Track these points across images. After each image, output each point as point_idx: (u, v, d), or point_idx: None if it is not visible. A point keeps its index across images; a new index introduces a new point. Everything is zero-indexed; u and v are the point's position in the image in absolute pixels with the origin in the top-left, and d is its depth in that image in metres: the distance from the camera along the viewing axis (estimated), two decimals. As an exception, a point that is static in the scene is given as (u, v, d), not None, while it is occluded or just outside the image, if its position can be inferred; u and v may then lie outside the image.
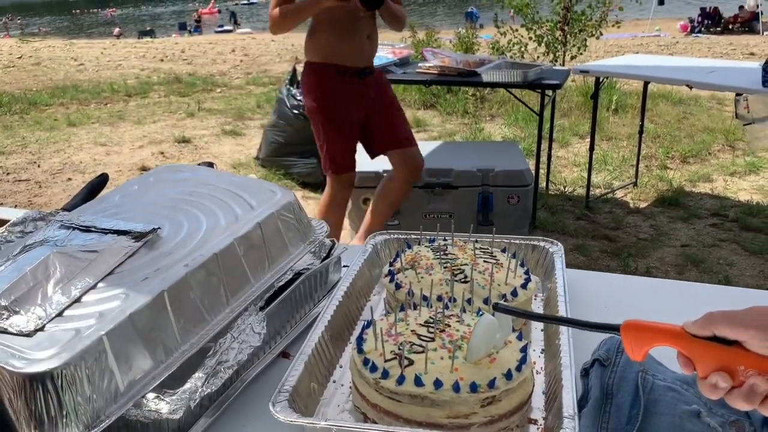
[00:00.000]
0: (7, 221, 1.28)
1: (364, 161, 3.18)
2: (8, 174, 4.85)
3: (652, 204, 3.95)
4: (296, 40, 18.21)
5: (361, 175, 3.05)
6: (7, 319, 0.82)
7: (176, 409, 0.81)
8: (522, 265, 1.16)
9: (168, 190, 1.14)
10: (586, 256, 3.35)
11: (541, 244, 1.28)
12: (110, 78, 11.00)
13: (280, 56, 12.97)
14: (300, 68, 4.65)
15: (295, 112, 4.13)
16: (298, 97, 4.15)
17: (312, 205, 4.06)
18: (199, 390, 0.85)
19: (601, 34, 7.29)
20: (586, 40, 7.26)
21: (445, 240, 1.25)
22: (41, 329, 0.80)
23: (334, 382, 0.99)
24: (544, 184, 4.21)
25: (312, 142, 4.20)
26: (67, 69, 12.51)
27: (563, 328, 0.98)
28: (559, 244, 1.26)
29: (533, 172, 3.65)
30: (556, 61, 7.21)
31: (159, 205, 1.09)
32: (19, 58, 15.20)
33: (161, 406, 0.81)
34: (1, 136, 6.14)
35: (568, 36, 7.28)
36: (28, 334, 0.80)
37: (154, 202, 1.10)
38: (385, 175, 2.91)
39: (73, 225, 1.01)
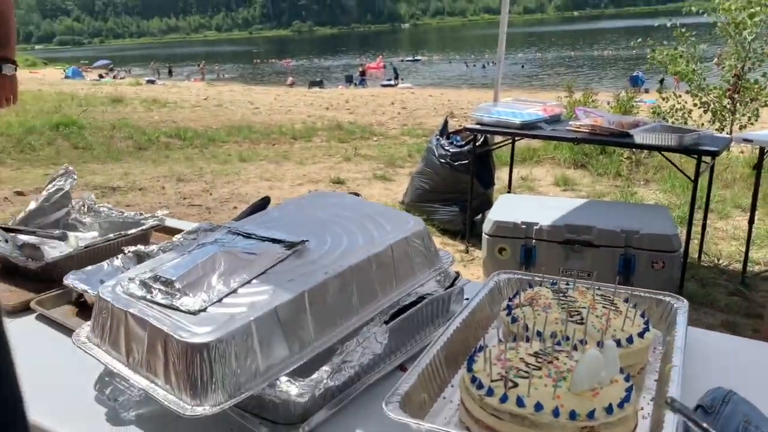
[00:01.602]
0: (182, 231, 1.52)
1: (501, 210, 3.24)
2: (185, 198, 5.45)
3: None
4: (453, 96, 18.75)
5: (499, 224, 3.11)
6: (179, 299, 0.99)
7: (303, 393, 0.94)
8: (642, 316, 1.18)
9: (319, 211, 1.30)
10: (736, 334, 3.12)
11: (666, 299, 1.28)
12: (280, 122, 11.99)
13: (436, 110, 13.37)
14: (452, 121, 4.83)
15: (442, 161, 4.29)
16: (447, 147, 4.32)
17: (450, 251, 4.16)
18: (324, 381, 0.97)
19: (776, 105, 6.83)
20: (758, 109, 6.82)
21: (567, 284, 1.29)
22: (204, 310, 0.97)
23: (444, 398, 1.07)
24: (696, 255, 4.00)
25: (455, 191, 4.36)
26: (244, 111, 13.80)
27: (675, 379, 0.99)
28: (685, 300, 1.26)
29: (683, 240, 3.51)
30: (723, 129, 6.83)
31: (310, 222, 1.25)
32: (205, 99, 17.00)
33: (291, 388, 0.94)
34: (183, 165, 6.92)
35: (738, 104, 6.89)
36: (194, 313, 0.96)
37: (306, 220, 1.27)
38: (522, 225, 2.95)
39: (238, 232, 1.19)
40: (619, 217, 3.10)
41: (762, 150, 3.53)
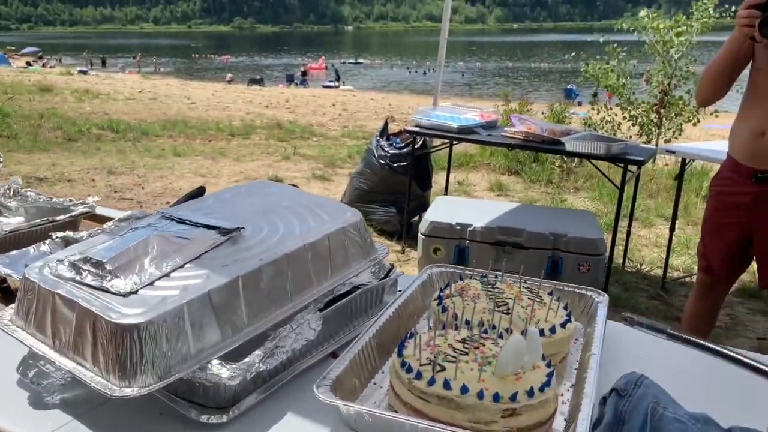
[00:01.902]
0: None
1: (437, 211, 3.31)
2: (116, 192, 5.30)
3: (732, 293, 3.82)
4: (394, 100, 18.89)
5: (435, 224, 3.17)
6: (110, 280, 0.98)
7: (234, 377, 0.94)
8: (565, 308, 1.23)
9: (256, 200, 1.31)
10: (655, 335, 3.28)
11: (588, 293, 1.35)
12: (217, 118, 11.79)
13: (377, 114, 13.44)
14: (392, 125, 4.89)
15: (381, 162, 4.33)
16: (386, 149, 4.36)
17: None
18: (256, 365, 0.98)
19: (699, 120, 7.20)
20: (682, 124, 7.19)
21: (495, 277, 1.34)
22: (135, 293, 0.96)
23: (375, 384, 1.09)
24: (621, 261, 4.18)
25: (393, 193, 4.41)
26: (180, 106, 13.49)
27: (593, 366, 1.04)
28: (605, 295, 1.33)
29: (608, 245, 3.66)
30: (649, 142, 7.16)
31: (246, 211, 1.25)
32: (140, 92, 16.53)
33: (222, 371, 0.94)
34: (115, 158, 6.72)
35: (664, 119, 7.24)
36: (125, 295, 0.95)
37: (242, 209, 1.27)
38: (457, 226, 3.01)
39: (172, 217, 1.18)
40: (548, 221, 3.21)
41: (684, 161, 3.73)
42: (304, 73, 36.02)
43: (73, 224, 1.64)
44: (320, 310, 1.14)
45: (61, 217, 1.61)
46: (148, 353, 0.90)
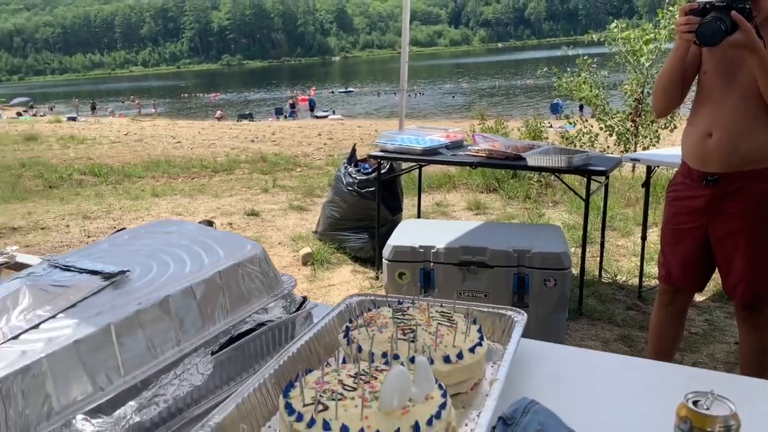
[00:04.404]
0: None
1: (400, 235, 3.26)
2: (89, 237, 5.25)
3: (709, 298, 3.77)
4: (381, 126, 18.96)
5: (398, 249, 3.12)
6: (-30, 337, 0.93)
7: (99, 431, 0.88)
8: (479, 331, 1.18)
9: (152, 240, 1.26)
10: (631, 347, 3.22)
11: (508, 313, 1.29)
12: (202, 155, 11.79)
13: (362, 140, 13.45)
14: (359, 150, 4.86)
15: (350, 188, 4.29)
16: (354, 175, 4.33)
17: (360, 278, 4.14)
18: (128, 417, 0.92)
19: (675, 127, 7.20)
20: (658, 131, 7.18)
21: (412, 303, 1.29)
22: (-5, 348, 0.91)
23: (270, 427, 1.03)
24: (598, 272, 4.12)
25: (363, 219, 4.37)
26: (165, 146, 13.51)
27: (493, 393, 0.99)
28: (524, 313, 1.27)
29: (580, 257, 3.61)
30: (627, 151, 7.15)
31: (139, 252, 1.20)
32: (126, 134, 16.58)
33: (86, 427, 0.88)
34: (92, 202, 6.68)
35: (640, 127, 7.23)
36: (-18, 352, 0.90)
37: (136, 250, 1.22)
38: (420, 249, 2.96)
39: (57, 264, 1.13)
40: (512, 238, 3.15)
41: (649, 169, 3.69)
42: (293, 105, 36.22)
43: (-10, 276, 1.58)
44: (213, 352, 1.08)
45: (-23, 269, 1.55)
46: (1, 414, 0.84)
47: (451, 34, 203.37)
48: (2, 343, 0.92)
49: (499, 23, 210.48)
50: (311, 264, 4.34)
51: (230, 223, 5.54)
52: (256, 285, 1.19)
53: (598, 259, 4.16)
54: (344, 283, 4.06)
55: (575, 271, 3.76)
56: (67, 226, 5.62)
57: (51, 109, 44.46)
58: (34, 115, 35.79)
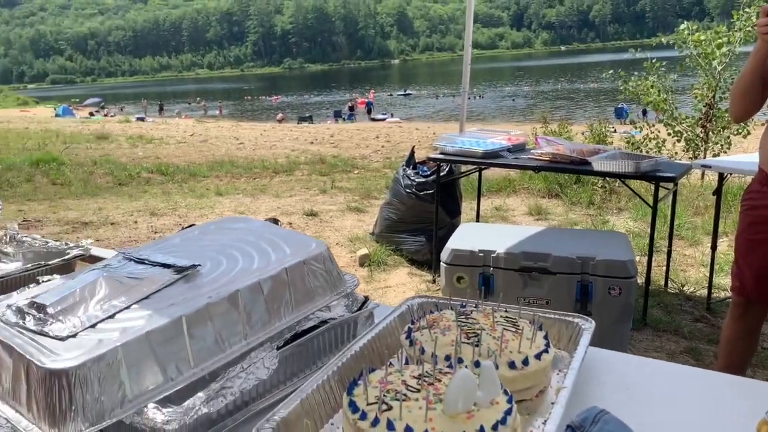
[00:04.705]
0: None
1: (459, 239, 3.24)
2: (156, 232, 5.42)
3: (785, 312, 3.59)
4: (439, 128, 18.91)
5: (456, 252, 3.09)
6: (50, 324, 0.97)
7: (170, 421, 0.90)
8: (545, 338, 1.15)
9: (221, 236, 1.29)
10: (698, 361, 3.10)
11: (575, 320, 1.26)
12: (264, 156, 12.03)
13: (420, 143, 13.46)
14: (418, 153, 4.86)
15: (408, 191, 4.29)
16: (412, 177, 4.32)
17: (417, 281, 4.13)
18: (197, 408, 0.94)
19: (749, 132, 6.90)
20: (729, 137, 6.90)
21: (476, 307, 1.27)
22: (73, 336, 0.94)
23: (332, 424, 1.04)
24: (663, 282, 3.99)
25: (421, 221, 4.35)
26: (228, 147, 13.85)
27: (560, 401, 0.96)
28: (592, 321, 1.24)
29: (646, 266, 3.50)
30: (696, 158, 6.89)
31: (209, 247, 1.23)
32: (191, 135, 17.07)
33: (157, 415, 0.90)
34: (159, 200, 6.90)
35: (711, 133, 6.96)
36: (62, 339, 0.93)
37: (206, 245, 1.25)
38: (480, 253, 2.93)
39: (131, 257, 1.17)
40: (576, 244, 3.09)
41: (721, 176, 3.55)
42: (352, 108, 36.51)
43: (67, 267, 1.65)
44: (279, 347, 1.10)
45: (55, 260, 1.62)
46: (78, 399, 0.87)
47: (513, 37, 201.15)
48: (81, 331, 0.95)
49: (563, 26, 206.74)
50: (368, 265, 4.36)
51: (290, 223, 5.63)
52: (320, 283, 1.20)
53: (665, 268, 4.03)
54: (401, 285, 4.06)
55: (640, 280, 3.65)
56: (135, 222, 5.82)
57: (121, 109, 46.26)
58: (105, 115, 37.32)
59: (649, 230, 5.15)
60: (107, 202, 6.87)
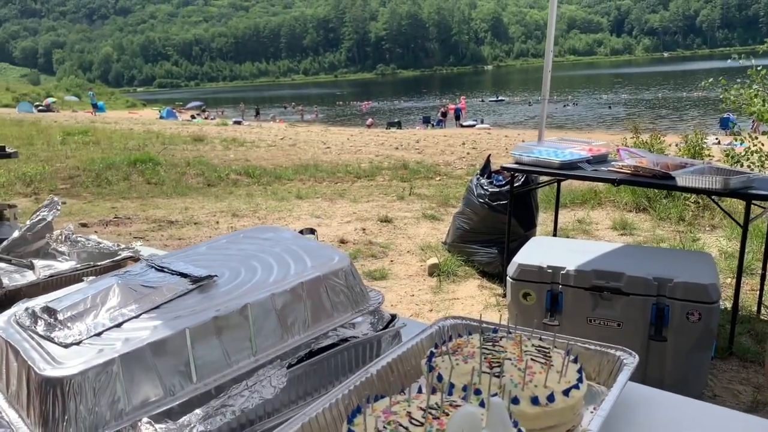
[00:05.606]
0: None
1: (528, 253, 3.11)
2: (234, 234, 5.56)
3: None
4: (529, 136, 18.50)
5: (523, 267, 2.97)
6: (58, 330, 0.97)
7: (161, 437, 0.88)
8: (579, 371, 1.05)
9: (248, 245, 1.26)
10: (789, 398, 2.82)
11: (617, 353, 1.14)
12: (348, 161, 12.16)
13: (507, 150, 13.18)
14: (499, 161, 4.72)
15: (481, 201, 4.18)
16: (486, 187, 4.20)
17: (487, 294, 4.01)
18: (192, 425, 0.90)
19: None
20: None
21: (508, 332, 1.18)
22: (77, 344, 0.94)
23: (336, 451, 0.98)
24: (756, 308, 3.68)
25: (494, 232, 4.22)
26: (315, 151, 14.10)
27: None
28: (636, 355, 1.12)
29: (733, 289, 3.24)
30: (805, 173, 6.34)
31: (233, 257, 1.21)
32: (282, 139, 17.52)
33: (149, 431, 0.88)
34: (242, 201, 7.10)
35: (823, 147, 6.39)
36: (66, 346, 0.93)
37: (230, 255, 1.22)
38: (548, 269, 2.79)
39: (153, 264, 1.16)
40: (654, 264, 2.88)
41: (825, 194, 3.22)
42: (444, 114, 36.27)
43: (116, 268, 1.68)
44: (290, 365, 1.05)
45: (104, 261, 1.66)
46: (72, 409, 0.86)
47: (612, 43, 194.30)
48: (85, 339, 0.94)
49: (666, 32, 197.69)
50: (437, 275, 4.28)
51: (363, 229, 5.63)
52: (340, 299, 1.15)
53: (758, 293, 3.71)
54: (469, 297, 3.95)
55: (728, 304, 3.38)
56: (217, 222, 6.00)
57: (222, 113, 48.23)
58: (206, 118, 39.04)
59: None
60: (194, 202, 7.13)
